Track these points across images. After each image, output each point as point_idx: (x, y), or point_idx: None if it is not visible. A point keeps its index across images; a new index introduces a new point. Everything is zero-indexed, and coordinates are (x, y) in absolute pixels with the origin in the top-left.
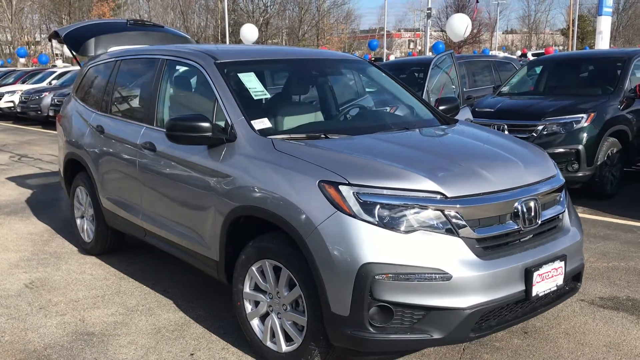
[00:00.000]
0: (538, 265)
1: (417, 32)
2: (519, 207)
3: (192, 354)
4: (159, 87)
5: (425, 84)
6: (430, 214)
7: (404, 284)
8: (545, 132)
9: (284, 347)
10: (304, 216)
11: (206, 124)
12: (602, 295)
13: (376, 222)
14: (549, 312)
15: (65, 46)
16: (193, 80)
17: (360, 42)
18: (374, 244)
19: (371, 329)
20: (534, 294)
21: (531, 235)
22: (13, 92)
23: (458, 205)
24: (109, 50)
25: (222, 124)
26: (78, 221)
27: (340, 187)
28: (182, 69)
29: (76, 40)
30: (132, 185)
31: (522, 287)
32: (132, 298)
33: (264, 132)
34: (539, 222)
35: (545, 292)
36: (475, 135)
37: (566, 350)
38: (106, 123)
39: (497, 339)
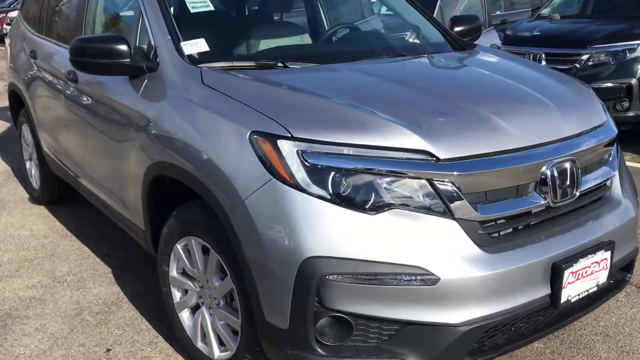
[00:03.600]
0: (572, 259)
1: None
2: (549, 173)
3: (108, 350)
4: (87, 1)
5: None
6: (411, 184)
7: (368, 289)
8: (590, 63)
9: (217, 353)
10: (228, 183)
11: (122, 47)
12: None
13: (329, 196)
14: None
15: None
16: None
17: None
18: (324, 229)
19: (319, 349)
20: (563, 299)
21: (564, 213)
22: None
23: (455, 172)
24: None
25: (146, 47)
26: (27, 164)
27: (279, 142)
28: None
29: None
30: (62, 125)
31: (546, 291)
32: (65, 264)
33: (196, 59)
34: (577, 193)
35: (580, 295)
36: (494, 66)
37: None
38: (39, 47)
39: None
